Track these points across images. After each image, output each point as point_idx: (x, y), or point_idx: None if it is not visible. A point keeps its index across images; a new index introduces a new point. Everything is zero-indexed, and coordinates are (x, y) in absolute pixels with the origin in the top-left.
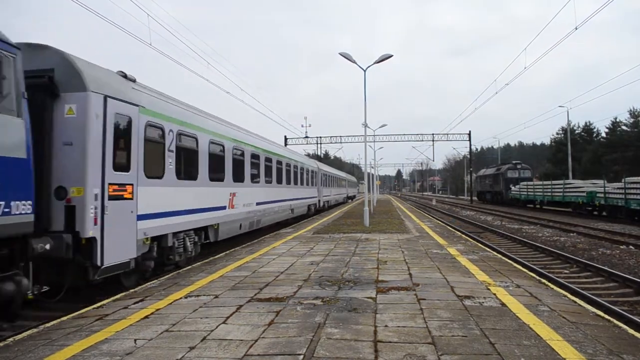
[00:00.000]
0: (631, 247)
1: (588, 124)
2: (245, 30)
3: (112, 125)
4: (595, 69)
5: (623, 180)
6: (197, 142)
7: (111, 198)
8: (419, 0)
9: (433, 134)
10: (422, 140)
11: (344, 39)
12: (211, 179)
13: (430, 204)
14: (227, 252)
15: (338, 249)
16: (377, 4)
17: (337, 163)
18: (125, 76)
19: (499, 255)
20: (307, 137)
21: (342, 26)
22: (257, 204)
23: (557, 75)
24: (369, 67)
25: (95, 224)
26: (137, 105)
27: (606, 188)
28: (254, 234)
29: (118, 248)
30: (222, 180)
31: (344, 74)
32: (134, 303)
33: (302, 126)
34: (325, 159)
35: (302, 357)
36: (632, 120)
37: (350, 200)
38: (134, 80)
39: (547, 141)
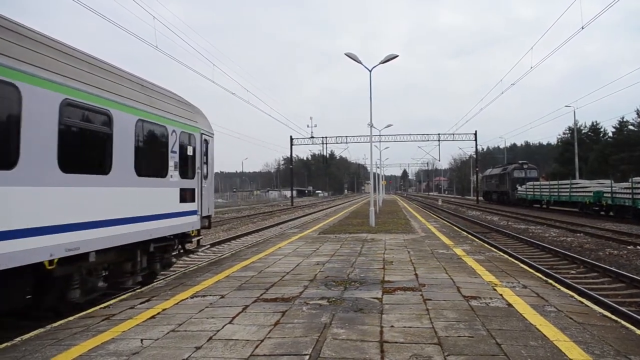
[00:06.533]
0: (639, 247)
1: (595, 123)
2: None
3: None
4: (602, 69)
5: (630, 180)
6: None
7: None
8: (421, 1)
9: (439, 134)
10: (428, 140)
11: (349, 39)
12: None
13: (436, 204)
14: (233, 252)
15: (344, 249)
16: (381, 5)
17: (343, 163)
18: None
19: (505, 256)
20: (312, 137)
21: (346, 27)
22: None
23: (563, 74)
24: (374, 67)
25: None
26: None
27: (613, 188)
28: (255, 234)
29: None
30: None
31: (349, 74)
32: (141, 303)
33: (308, 126)
34: (330, 159)
35: (308, 357)
36: (639, 120)
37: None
38: None
39: (553, 141)
